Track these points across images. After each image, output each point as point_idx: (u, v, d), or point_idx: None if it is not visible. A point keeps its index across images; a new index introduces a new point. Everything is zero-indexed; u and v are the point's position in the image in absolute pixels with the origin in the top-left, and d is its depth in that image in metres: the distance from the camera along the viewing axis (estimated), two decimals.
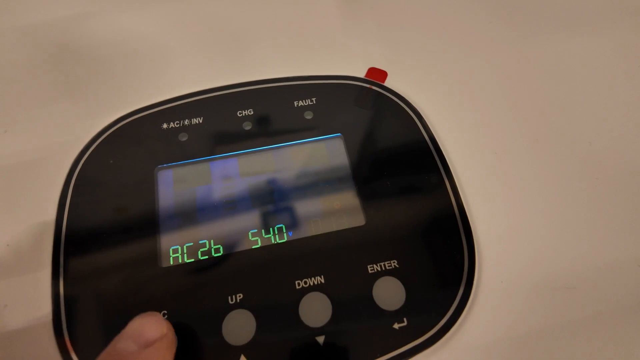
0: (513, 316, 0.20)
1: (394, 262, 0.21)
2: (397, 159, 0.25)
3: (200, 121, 0.26)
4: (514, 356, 0.20)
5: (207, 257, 0.21)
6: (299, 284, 0.21)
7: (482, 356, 0.20)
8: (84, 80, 0.27)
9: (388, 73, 0.27)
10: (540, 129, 0.26)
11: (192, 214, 0.23)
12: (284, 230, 0.22)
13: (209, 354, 0.19)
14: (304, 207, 0.23)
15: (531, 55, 0.29)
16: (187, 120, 0.26)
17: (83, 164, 0.24)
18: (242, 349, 0.19)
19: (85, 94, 0.27)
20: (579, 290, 0.21)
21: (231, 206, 0.23)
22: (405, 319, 0.20)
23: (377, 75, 0.27)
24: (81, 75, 0.28)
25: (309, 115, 0.26)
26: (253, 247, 0.22)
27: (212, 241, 0.22)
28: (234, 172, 0.24)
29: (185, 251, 0.22)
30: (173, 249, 0.22)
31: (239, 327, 0.20)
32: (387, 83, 0.27)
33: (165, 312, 0.20)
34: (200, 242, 0.22)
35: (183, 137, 0.25)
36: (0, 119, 0.26)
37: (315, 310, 0.20)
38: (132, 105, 0.26)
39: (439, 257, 0.22)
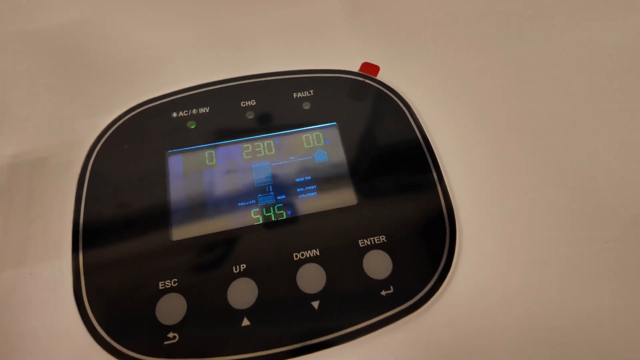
0: (490, 286, 0.23)
1: (382, 237, 0.23)
2: (387, 146, 0.27)
3: (207, 110, 0.28)
4: (490, 322, 0.22)
5: (213, 232, 0.24)
6: (296, 256, 0.23)
7: (461, 322, 0.22)
8: (100, 73, 0.30)
9: (380, 67, 0.30)
10: (521, 119, 0.28)
11: (200, 194, 0.25)
12: (284, 209, 0.25)
13: (215, 317, 0.22)
14: (301, 188, 0.25)
15: (523, 53, 0.31)
16: (195, 109, 0.28)
17: (100, 148, 0.26)
18: (245, 312, 0.22)
19: (101, 86, 0.29)
20: (552, 265, 0.23)
21: (235, 187, 0.26)
22: (391, 287, 0.22)
23: (370, 69, 0.30)
24: (97, 69, 0.30)
25: (306, 106, 0.28)
26: (255, 224, 0.24)
27: (218, 218, 0.24)
28: (238, 157, 0.27)
29: (193, 226, 0.24)
30: (183, 225, 0.24)
31: (243, 293, 0.22)
32: (380, 77, 0.29)
33: (176, 280, 0.22)
34: (207, 218, 0.24)
35: (191, 125, 0.27)
36: (20, 109, 0.28)
37: (311, 278, 0.22)
38: (144, 95, 0.28)
39: (424, 232, 0.24)
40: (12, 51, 0.31)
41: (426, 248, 0.23)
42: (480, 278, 0.23)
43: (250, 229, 0.24)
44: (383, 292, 0.22)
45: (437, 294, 0.22)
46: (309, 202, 0.25)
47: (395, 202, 0.25)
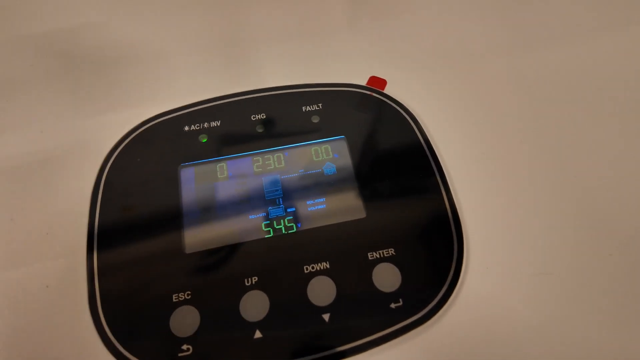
0: (497, 297, 0.23)
1: (391, 250, 0.24)
2: (395, 159, 0.27)
3: (218, 124, 0.28)
4: (497, 334, 0.22)
5: (225, 244, 0.24)
6: (307, 269, 0.23)
7: (468, 333, 0.22)
8: (114, 86, 0.30)
9: (387, 81, 0.30)
10: (528, 132, 0.28)
11: (212, 207, 0.26)
12: (294, 222, 0.25)
13: (228, 329, 0.22)
14: (311, 201, 0.26)
15: (527, 63, 0.31)
16: (206, 123, 0.28)
17: (113, 161, 0.27)
18: (257, 325, 0.22)
19: (115, 99, 0.30)
20: (555, 276, 0.24)
21: (246, 200, 0.26)
22: (400, 300, 0.23)
23: (377, 83, 0.30)
24: (111, 82, 0.31)
25: (315, 119, 0.29)
26: (266, 236, 0.25)
27: (229, 231, 0.25)
28: (249, 170, 0.27)
29: (206, 239, 0.24)
30: (195, 237, 0.24)
31: (255, 305, 0.22)
32: (387, 90, 0.30)
33: (189, 292, 0.23)
34: (219, 231, 0.25)
35: (203, 139, 0.28)
36: (38, 121, 0.29)
37: (322, 291, 0.23)
38: (156, 109, 0.29)
39: (432, 246, 0.24)
40: (28, 64, 0.31)
41: (434, 260, 0.24)
42: (488, 289, 0.23)
43: (261, 241, 0.24)
44: (392, 305, 0.22)
45: (445, 306, 0.23)
46: (319, 215, 0.25)
47: (404, 215, 0.25)
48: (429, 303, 0.23)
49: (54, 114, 0.29)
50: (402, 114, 0.29)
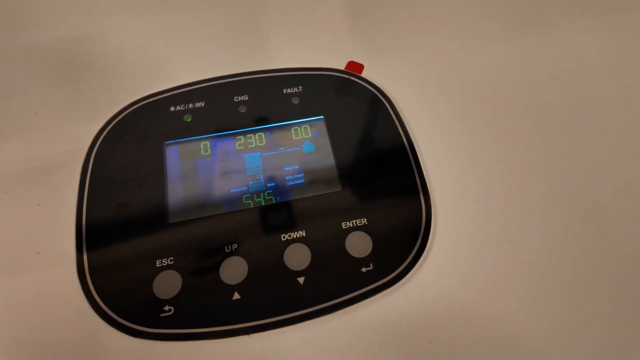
0: (462, 265, 0.25)
1: (363, 220, 0.25)
2: (370, 138, 0.29)
3: (202, 105, 0.30)
4: (461, 297, 0.24)
5: (207, 215, 0.26)
6: (284, 237, 0.25)
7: (434, 295, 0.24)
8: (100, 73, 0.32)
9: (365, 66, 0.32)
10: (496, 110, 0.30)
11: (195, 182, 0.27)
12: (273, 195, 0.27)
13: (208, 291, 0.23)
14: (290, 176, 0.27)
15: (505, 51, 0.33)
16: (191, 104, 0.30)
17: (103, 139, 0.28)
18: (236, 287, 0.23)
19: (104, 83, 0.31)
20: (519, 244, 0.25)
21: (228, 175, 0.27)
22: (371, 264, 0.24)
23: (355, 67, 0.32)
24: (98, 69, 0.32)
25: (295, 101, 0.30)
26: (246, 208, 0.26)
27: (211, 203, 0.26)
28: (231, 148, 0.28)
29: (189, 210, 0.26)
30: (179, 208, 0.26)
31: (234, 270, 0.24)
32: (364, 74, 0.32)
33: (172, 258, 0.24)
34: (201, 203, 0.26)
35: (188, 118, 0.29)
36: (31, 100, 0.30)
37: (297, 257, 0.24)
38: (144, 91, 0.30)
39: (402, 216, 0.26)
40: (11, 53, 0.33)
41: (404, 229, 0.25)
42: (454, 256, 0.25)
43: (242, 212, 0.26)
44: (363, 269, 0.24)
45: (413, 270, 0.24)
46: (297, 189, 0.27)
47: (377, 188, 0.27)
48: (398, 267, 0.24)
49: (34, 102, 0.30)
50: (378, 96, 0.31)
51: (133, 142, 0.28)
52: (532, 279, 0.24)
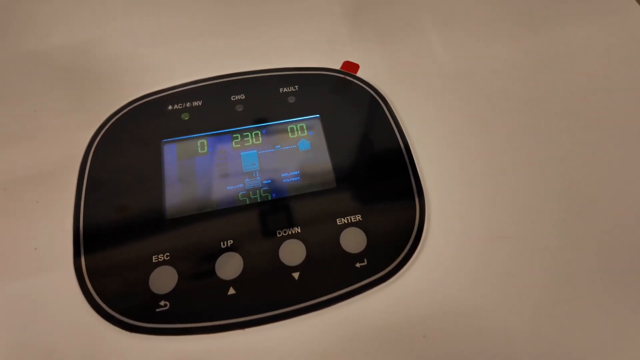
0: (455, 260, 0.25)
1: (358, 216, 0.26)
2: (365, 136, 0.29)
3: (200, 104, 0.30)
4: (454, 292, 0.24)
5: (203, 211, 0.26)
6: (279, 233, 0.25)
7: (427, 291, 0.24)
8: (96, 73, 0.32)
9: (360, 65, 0.32)
10: (491, 108, 0.30)
11: (192, 179, 0.27)
12: (269, 192, 0.27)
13: (204, 287, 0.24)
14: (285, 173, 0.28)
15: (503, 51, 0.33)
16: (188, 103, 0.30)
17: (100, 139, 0.29)
18: (231, 283, 0.24)
19: (100, 83, 0.31)
20: (512, 240, 0.25)
21: (224, 173, 0.28)
22: (365, 260, 0.24)
23: (350, 67, 0.32)
24: (94, 69, 0.32)
25: (291, 100, 0.31)
26: (242, 204, 0.26)
27: (208, 199, 0.26)
28: (228, 146, 0.29)
29: (185, 206, 0.26)
30: (176, 204, 0.26)
31: (229, 265, 0.24)
32: (360, 74, 0.32)
33: (168, 254, 0.24)
34: (198, 199, 0.26)
35: (185, 117, 0.30)
36: (26, 101, 0.31)
37: (292, 252, 0.25)
38: (142, 90, 0.31)
39: (396, 212, 0.26)
40: (5, 55, 0.33)
41: (398, 225, 0.26)
42: (447, 252, 0.25)
43: (237, 209, 0.26)
44: (358, 264, 0.24)
45: (406, 266, 0.24)
46: (292, 186, 0.27)
47: (371, 185, 0.27)
48: (391, 263, 0.24)
49: (33, 104, 0.31)
50: (373, 95, 0.31)
51: (131, 141, 0.29)
52: (525, 274, 0.25)
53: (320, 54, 0.33)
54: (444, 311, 0.23)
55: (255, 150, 0.29)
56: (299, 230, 0.25)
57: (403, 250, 0.25)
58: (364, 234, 0.25)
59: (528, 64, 0.33)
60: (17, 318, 0.23)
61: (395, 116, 0.30)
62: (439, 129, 0.30)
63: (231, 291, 0.23)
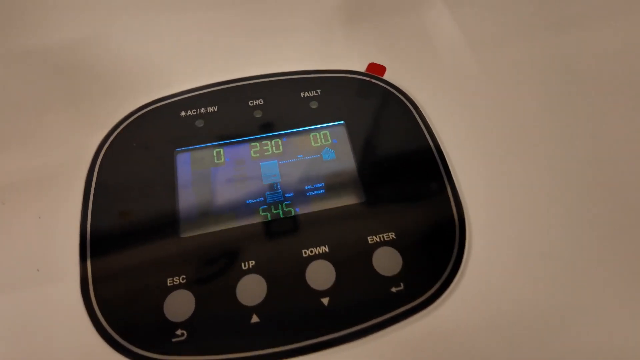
0: (503, 281, 0.22)
1: (391, 234, 0.23)
2: (394, 144, 0.27)
3: (215, 109, 0.28)
4: (503, 317, 0.22)
5: (221, 229, 0.24)
6: (305, 252, 0.23)
7: (473, 318, 0.22)
8: (106, 76, 0.30)
9: (387, 67, 0.30)
10: (535, 117, 0.28)
11: (208, 192, 0.25)
12: (292, 207, 0.25)
13: (224, 313, 0.21)
14: (309, 186, 0.25)
15: (534, 53, 0.31)
16: (202, 108, 0.28)
17: (108, 147, 0.26)
18: (254, 309, 0.21)
19: (109, 86, 0.29)
20: (561, 261, 0.23)
21: (243, 185, 0.26)
22: (401, 284, 0.22)
23: (376, 69, 0.30)
24: (103, 72, 0.30)
25: (314, 105, 0.28)
26: (263, 221, 0.24)
27: (226, 215, 0.24)
28: (246, 155, 0.27)
29: (202, 224, 0.24)
30: (191, 222, 0.24)
31: (252, 289, 0.22)
32: (386, 76, 0.30)
33: (184, 276, 0.22)
34: (215, 216, 0.24)
35: (199, 124, 0.27)
36: (34, 105, 0.29)
37: (320, 275, 0.22)
38: (152, 95, 0.28)
39: (433, 228, 0.24)
40: (12, 59, 0.31)
41: (436, 244, 0.23)
42: (491, 274, 0.23)
43: (259, 225, 0.24)
44: (393, 289, 0.22)
45: (448, 290, 0.22)
46: (317, 200, 0.25)
47: (404, 199, 0.25)
48: (432, 286, 0.22)
49: (41, 106, 0.29)
50: (401, 99, 0.29)
51: (141, 150, 0.26)
52: (579, 298, 0.22)
53: (344, 55, 0.30)
54: (492, 340, 0.21)
55: (276, 160, 0.26)
56: (327, 250, 0.23)
57: (444, 271, 0.22)
58: (399, 254, 0.23)
59: (566, 63, 0.31)
60: (20, 350, 0.21)
61: (426, 121, 0.28)
62: (474, 134, 0.27)
63: (254, 319, 0.21)
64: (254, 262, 0.23)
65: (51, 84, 0.30)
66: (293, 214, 0.24)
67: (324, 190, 0.25)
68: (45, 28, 0.33)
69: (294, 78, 0.29)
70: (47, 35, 0.32)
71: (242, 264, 0.22)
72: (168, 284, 0.22)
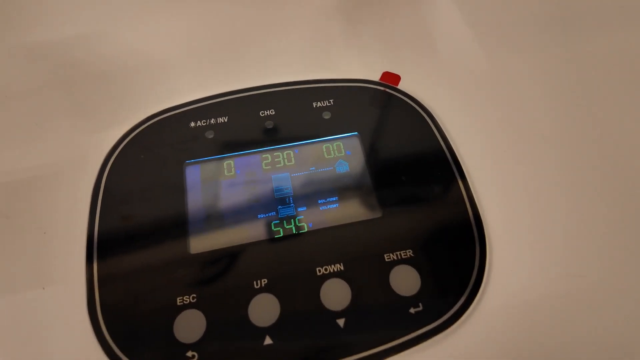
0: (524, 301, 0.21)
1: (409, 252, 0.22)
2: (411, 156, 0.26)
3: (226, 120, 0.27)
4: (524, 342, 0.21)
5: (232, 244, 0.23)
6: (319, 271, 0.22)
7: (494, 341, 0.21)
8: (116, 83, 0.29)
9: (401, 76, 0.29)
10: (554, 128, 0.27)
11: (218, 205, 0.24)
12: (305, 222, 0.24)
13: (236, 334, 0.20)
14: (322, 200, 0.25)
15: (547, 59, 0.30)
16: (212, 119, 0.27)
17: (116, 157, 0.26)
18: (267, 330, 0.21)
19: (117, 95, 0.29)
20: (587, 278, 0.22)
21: (254, 198, 0.25)
22: (420, 304, 0.21)
23: (391, 78, 0.29)
24: (112, 81, 0.30)
25: (326, 116, 0.28)
26: (275, 236, 0.23)
27: (237, 230, 0.23)
28: (257, 167, 0.26)
29: (212, 239, 0.23)
30: (201, 237, 0.23)
31: (264, 309, 0.21)
32: (401, 86, 0.29)
33: (195, 295, 0.21)
34: (226, 230, 0.23)
35: (209, 135, 0.27)
36: (41, 112, 0.28)
37: (336, 295, 0.21)
38: (161, 105, 0.28)
39: (452, 245, 0.23)
40: (23, 63, 0.31)
41: (455, 262, 0.22)
42: (513, 292, 0.22)
43: (271, 242, 0.23)
44: (412, 310, 0.21)
45: (469, 311, 0.21)
46: (331, 214, 0.24)
47: (421, 214, 0.24)
48: (452, 307, 0.21)
49: (50, 111, 0.28)
50: (417, 109, 0.28)
51: (149, 162, 0.26)
52: (604, 315, 0.21)
53: (357, 64, 0.30)
54: None
55: (287, 173, 0.26)
56: (342, 268, 0.22)
57: (464, 290, 0.21)
58: (417, 273, 0.22)
59: (585, 71, 0.30)
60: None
61: (443, 132, 0.27)
62: (491, 146, 0.26)
63: (267, 340, 0.20)
64: (266, 280, 0.22)
65: (62, 92, 0.29)
66: (306, 229, 0.23)
67: (337, 205, 0.24)
68: (59, 33, 0.32)
69: (306, 87, 0.29)
70: (61, 42, 0.31)
71: (254, 283, 0.22)
72: (178, 303, 0.21)
